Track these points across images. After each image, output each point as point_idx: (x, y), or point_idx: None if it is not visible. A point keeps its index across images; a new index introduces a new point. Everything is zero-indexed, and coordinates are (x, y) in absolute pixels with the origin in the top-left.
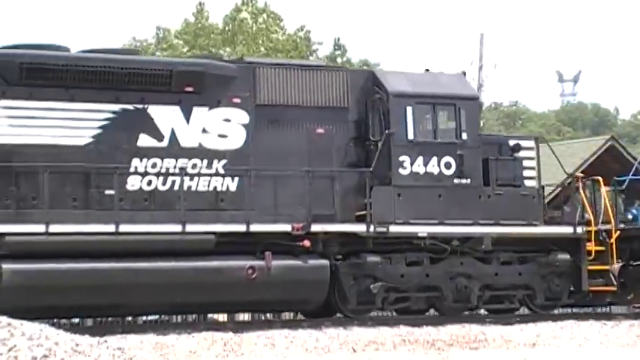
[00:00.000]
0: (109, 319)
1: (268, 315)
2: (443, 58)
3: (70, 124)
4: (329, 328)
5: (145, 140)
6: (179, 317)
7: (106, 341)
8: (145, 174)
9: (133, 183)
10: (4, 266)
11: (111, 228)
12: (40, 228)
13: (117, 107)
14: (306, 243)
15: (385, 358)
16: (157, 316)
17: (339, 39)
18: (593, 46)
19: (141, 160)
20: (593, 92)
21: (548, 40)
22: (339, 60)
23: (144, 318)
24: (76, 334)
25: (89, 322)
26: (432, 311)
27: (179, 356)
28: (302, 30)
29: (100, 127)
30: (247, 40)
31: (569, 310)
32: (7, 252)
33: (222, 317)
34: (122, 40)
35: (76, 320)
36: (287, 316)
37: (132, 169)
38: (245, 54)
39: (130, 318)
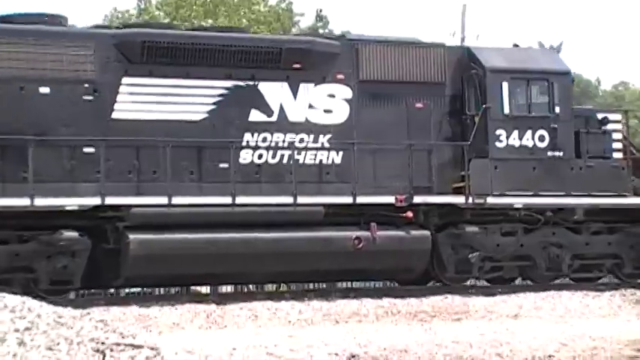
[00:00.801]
0: (92, 291)
1: (251, 287)
2: (425, 28)
3: (186, 101)
4: (312, 300)
5: (255, 115)
6: (162, 290)
7: (88, 313)
8: (255, 148)
9: (245, 157)
10: (131, 236)
11: (227, 200)
12: (163, 200)
13: (229, 84)
14: (409, 214)
15: (368, 329)
16: (139, 289)
17: (320, 10)
18: (574, 16)
19: (252, 135)
20: (574, 63)
21: (529, 11)
22: (320, 32)
23: (127, 290)
24: (59, 306)
25: (72, 295)
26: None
27: (162, 328)
28: (284, 1)
29: (213, 103)
30: (229, 11)
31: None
32: (133, 223)
33: (204, 289)
34: (103, 11)
35: None
36: (270, 287)
37: (244, 144)
38: (227, 25)
39: (112, 290)
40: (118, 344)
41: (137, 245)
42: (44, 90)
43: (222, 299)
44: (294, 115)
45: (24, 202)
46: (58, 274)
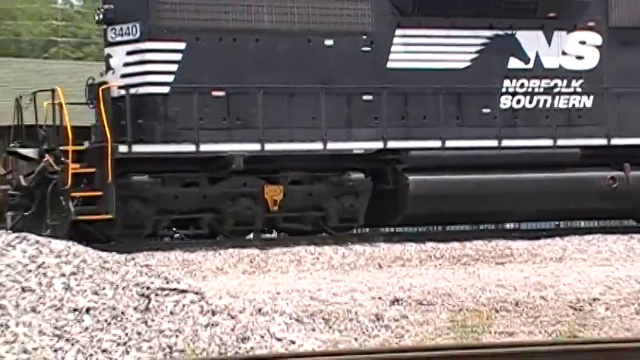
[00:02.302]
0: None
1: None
2: None
3: (452, 50)
4: (355, 244)
5: (514, 63)
6: None
7: (133, 258)
8: (514, 94)
9: (505, 102)
10: (410, 178)
11: (493, 143)
12: (437, 144)
13: (490, 33)
14: None
15: (411, 274)
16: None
17: None
18: None
19: (510, 82)
20: None
21: None
22: None
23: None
24: (104, 251)
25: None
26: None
27: (206, 273)
28: None
29: (476, 52)
30: None
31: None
32: (410, 165)
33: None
34: None
35: None
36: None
37: (503, 90)
38: None
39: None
40: (163, 289)
41: (415, 186)
42: (329, 42)
43: (265, 244)
44: (549, 61)
45: (317, 145)
46: (346, 212)
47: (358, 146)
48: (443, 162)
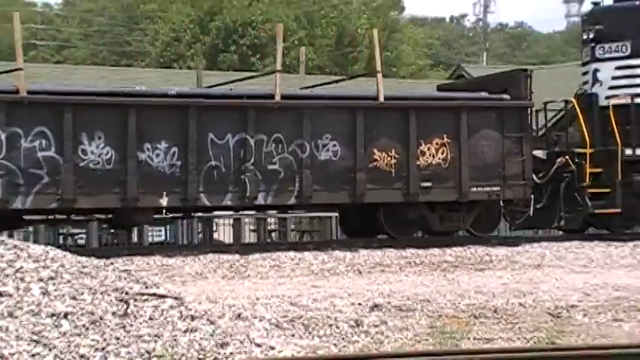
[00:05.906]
0: (115, 241)
1: (273, 236)
2: None
3: None
4: (335, 250)
5: None
6: (185, 239)
7: (112, 263)
8: None
9: None
10: None
11: None
12: None
13: None
14: None
15: (391, 280)
16: (162, 239)
17: None
18: None
19: None
20: None
21: None
22: None
23: (150, 240)
24: (82, 256)
25: (94, 243)
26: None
27: (185, 278)
28: None
29: None
30: None
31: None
32: None
33: (228, 239)
34: None
35: (82, 242)
36: (292, 237)
37: None
38: None
39: (135, 240)
40: (142, 294)
41: None
42: None
43: (245, 249)
44: None
45: None
46: None
47: None
48: None
